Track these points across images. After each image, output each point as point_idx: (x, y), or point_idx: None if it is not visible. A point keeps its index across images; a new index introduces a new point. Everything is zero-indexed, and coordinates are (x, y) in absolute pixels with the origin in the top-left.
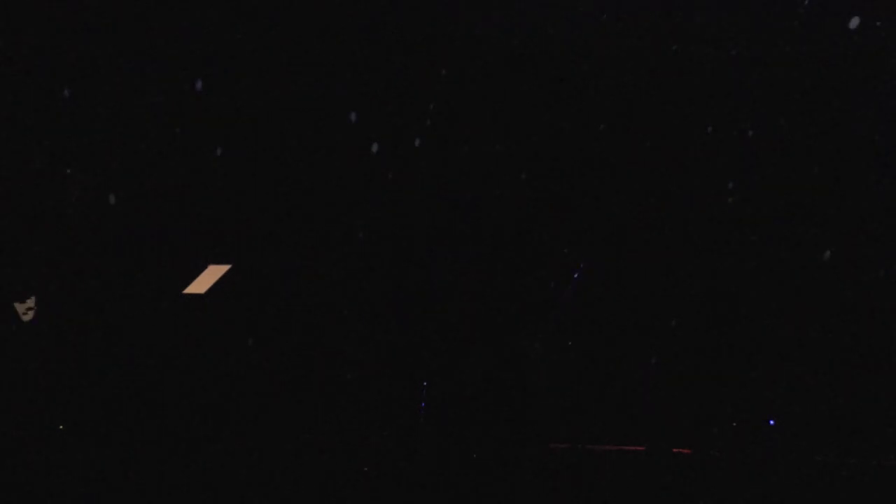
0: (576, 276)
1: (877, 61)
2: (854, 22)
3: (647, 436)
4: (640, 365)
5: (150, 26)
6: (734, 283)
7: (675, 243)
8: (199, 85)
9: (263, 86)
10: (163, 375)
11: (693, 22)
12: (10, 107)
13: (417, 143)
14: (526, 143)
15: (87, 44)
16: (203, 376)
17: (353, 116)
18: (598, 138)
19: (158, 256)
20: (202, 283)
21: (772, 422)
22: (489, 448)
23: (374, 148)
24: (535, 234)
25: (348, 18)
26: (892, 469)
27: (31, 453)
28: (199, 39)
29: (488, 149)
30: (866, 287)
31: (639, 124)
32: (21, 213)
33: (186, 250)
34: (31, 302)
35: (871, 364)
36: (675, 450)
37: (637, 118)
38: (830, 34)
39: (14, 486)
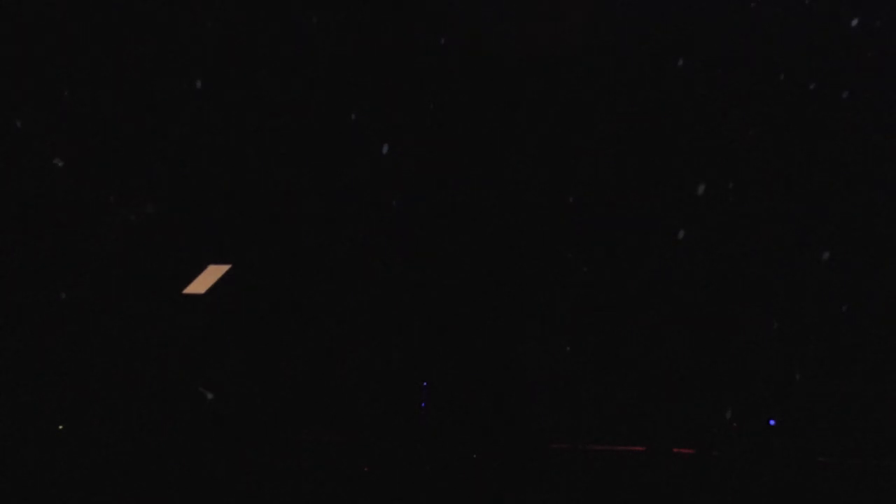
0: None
1: (877, 61)
2: (854, 22)
3: (647, 436)
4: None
5: (150, 26)
6: (734, 283)
7: (675, 243)
8: (198, 84)
9: (263, 85)
10: (163, 375)
11: (692, 22)
12: (9, 106)
13: (417, 143)
14: (526, 143)
15: (87, 44)
16: (203, 376)
17: (353, 116)
18: (598, 138)
19: (158, 256)
20: (202, 283)
21: (772, 422)
22: (489, 448)
23: (374, 148)
24: (535, 234)
25: (348, 18)
26: (892, 469)
27: (31, 453)
28: (198, 39)
29: (488, 149)
30: (866, 287)
31: (639, 124)
32: (21, 213)
33: (186, 250)
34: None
35: (872, 364)
36: (675, 450)
37: (637, 118)
38: (830, 34)
39: (14, 486)
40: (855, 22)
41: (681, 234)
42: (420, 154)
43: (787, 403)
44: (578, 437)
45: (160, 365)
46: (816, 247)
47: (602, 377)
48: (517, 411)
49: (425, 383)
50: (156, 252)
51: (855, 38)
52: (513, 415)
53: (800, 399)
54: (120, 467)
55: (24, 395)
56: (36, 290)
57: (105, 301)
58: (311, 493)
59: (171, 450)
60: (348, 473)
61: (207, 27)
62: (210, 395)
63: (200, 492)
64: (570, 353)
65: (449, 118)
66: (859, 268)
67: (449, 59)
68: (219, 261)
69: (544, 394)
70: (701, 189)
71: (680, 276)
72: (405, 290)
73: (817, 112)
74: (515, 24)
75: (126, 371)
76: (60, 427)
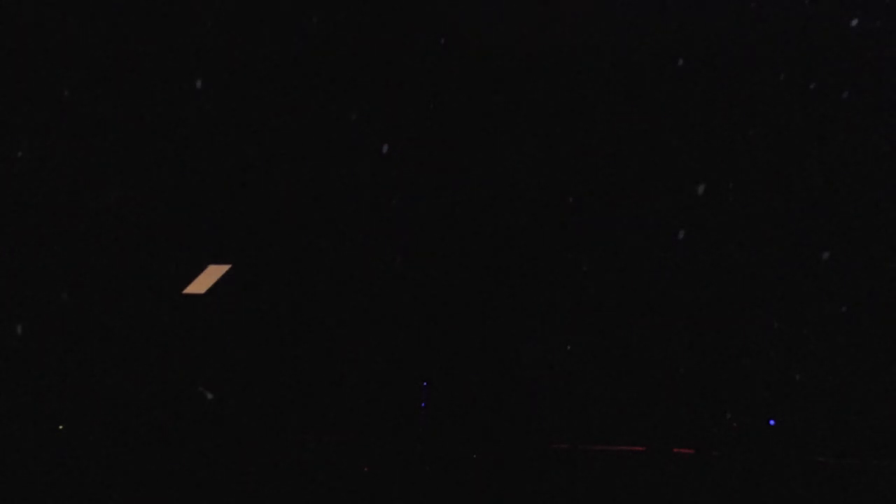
0: None
1: (877, 61)
2: (854, 22)
3: (647, 436)
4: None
5: (150, 26)
6: (734, 283)
7: (676, 243)
8: (198, 84)
9: (263, 85)
10: (163, 375)
11: (693, 22)
12: (9, 106)
13: (417, 143)
14: (526, 142)
15: (87, 44)
16: (203, 376)
17: (353, 116)
18: (598, 138)
19: (158, 256)
20: (202, 283)
21: (772, 422)
22: (489, 448)
23: (375, 148)
24: (535, 234)
25: (348, 18)
26: (892, 469)
27: (31, 453)
28: (198, 39)
29: (488, 148)
30: (866, 287)
31: (639, 124)
32: (21, 213)
33: (186, 250)
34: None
35: (872, 364)
36: (675, 450)
37: (637, 118)
38: (830, 34)
39: (14, 486)
40: (855, 22)
41: (681, 235)
42: (420, 154)
43: (787, 403)
44: (578, 437)
45: (160, 365)
46: (816, 247)
47: (602, 377)
48: (517, 411)
49: (425, 383)
50: (156, 252)
51: (855, 38)
52: (513, 415)
53: (800, 399)
54: (120, 467)
55: (24, 395)
56: (36, 290)
57: (105, 301)
58: (311, 493)
59: (171, 450)
60: (348, 473)
61: (207, 27)
62: (210, 395)
63: (200, 492)
64: (570, 353)
65: (449, 118)
66: (859, 268)
67: (449, 59)
68: (219, 261)
69: (544, 394)
70: (701, 189)
71: (680, 276)
72: (405, 290)
73: (817, 112)
74: (515, 24)
75: (126, 371)
76: (60, 427)
